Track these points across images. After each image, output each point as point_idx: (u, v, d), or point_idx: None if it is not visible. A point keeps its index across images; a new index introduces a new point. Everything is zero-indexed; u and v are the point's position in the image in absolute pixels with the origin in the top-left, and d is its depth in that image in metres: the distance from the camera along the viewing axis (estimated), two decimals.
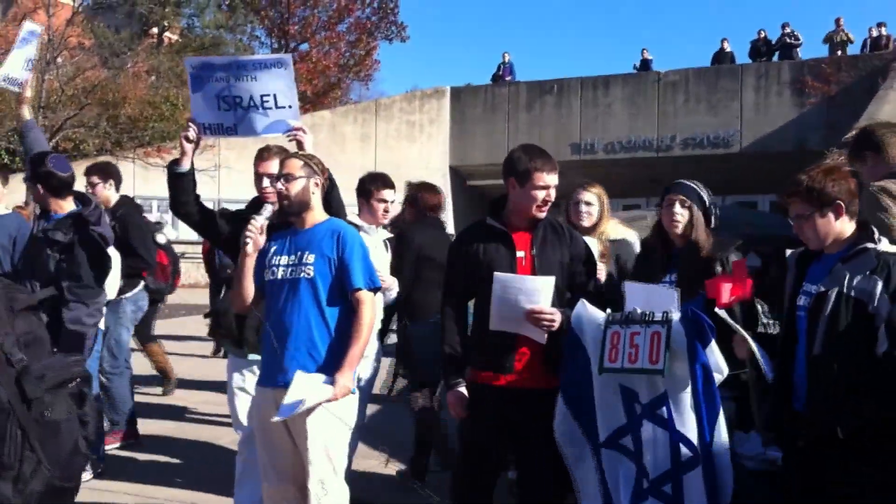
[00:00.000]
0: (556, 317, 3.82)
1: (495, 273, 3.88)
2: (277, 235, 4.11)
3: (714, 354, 3.50)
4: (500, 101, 26.04)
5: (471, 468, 4.10)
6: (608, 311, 3.79)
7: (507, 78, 27.73)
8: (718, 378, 3.50)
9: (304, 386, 3.81)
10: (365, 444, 6.18)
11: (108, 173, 7.00)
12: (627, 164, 24.66)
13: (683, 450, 3.51)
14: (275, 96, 4.47)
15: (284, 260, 4.04)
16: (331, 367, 3.93)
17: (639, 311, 3.64)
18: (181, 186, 4.58)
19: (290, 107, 4.52)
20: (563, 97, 25.49)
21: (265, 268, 4.08)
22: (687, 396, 3.51)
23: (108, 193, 6.80)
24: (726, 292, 3.71)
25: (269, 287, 4.08)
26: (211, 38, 35.44)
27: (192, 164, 4.57)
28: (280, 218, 4.19)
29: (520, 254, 3.97)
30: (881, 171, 4.14)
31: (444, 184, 24.02)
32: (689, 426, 3.51)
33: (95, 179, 6.82)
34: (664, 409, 3.56)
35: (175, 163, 4.60)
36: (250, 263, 4.06)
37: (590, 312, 3.78)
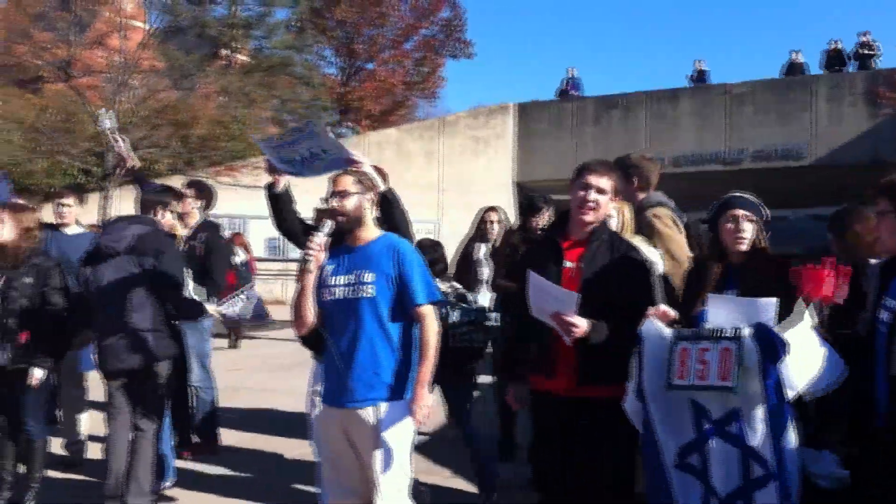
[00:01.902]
0: (580, 327, 3.80)
1: (529, 271, 3.96)
2: (332, 254, 4.10)
3: (786, 370, 3.40)
4: (566, 117, 25.93)
5: (539, 475, 4.22)
6: (676, 326, 3.72)
7: (573, 93, 27.59)
8: (791, 394, 3.40)
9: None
10: (429, 460, 6.17)
11: (203, 194, 7.17)
12: (696, 177, 24.32)
13: (755, 467, 3.43)
14: (323, 150, 4.69)
15: (343, 279, 4.02)
16: (397, 384, 3.93)
17: (711, 326, 3.57)
18: (279, 206, 4.91)
19: (336, 151, 4.70)
20: (629, 111, 25.30)
21: (322, 287, 4.08)
22: (759, 413, 3.42)
23: (192, 210, 6.93)
24: (829, 283, 3.51)
25: (329, 307, 4.07)
26: (279, 58, 35.92)
27: (287, 185, 4.87)
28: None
29: (569, 264, 4.03)
30: None
31: (508, 199, 24.00)
32: (761, 443, 3.42)
33: (189, 192, 6.96)
34: (735, 425, 3.48)
35: (271, 185, 4.89)
36: (311, 281, 4.05)
37: (657, 329, 3.72)
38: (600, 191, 4.10)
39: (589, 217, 4.09)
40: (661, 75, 72.50)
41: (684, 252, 5.15)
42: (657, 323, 3.74)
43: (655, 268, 4.79)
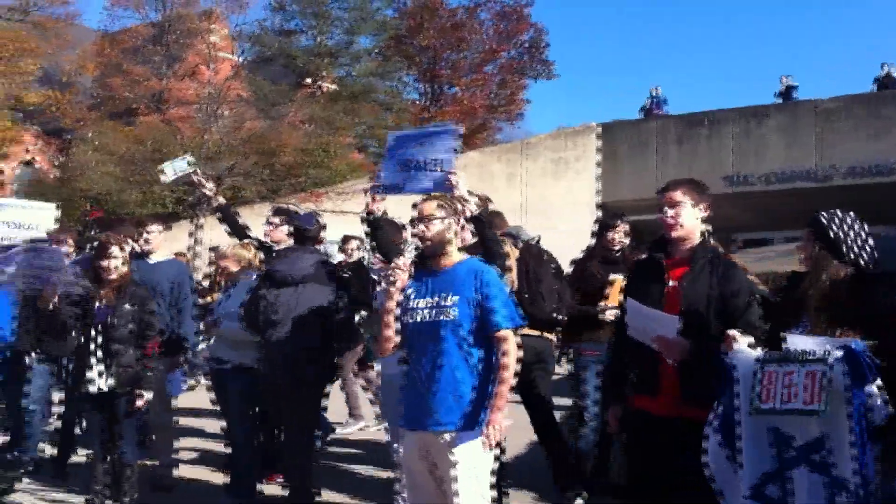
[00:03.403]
0: (682, 348, 3.82)
1: (627, 299, 4.10)
2: (416, 277, 4.12)
3: (874, 394, 3.27)
4: (650, 136, 25.61)
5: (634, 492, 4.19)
6: (763, 349, 3.62)
7: (657, 112, 27.28)
8: (879, 419, 3.27)
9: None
10: (512, 485, 6.12)
11: (290, 220, 7.30)
12: (785, 195, 23.72)
13: (841, 496, 3.30)
14: (441, 161, 4.88)
15: (425, 302, 4.04)
16: (476, 408, 3.92)
17: (795, 349, 3.47)
18: (376, 230, 5.17)
19: (448, 165, 4.89)
20: (715, 129, 24.85)
21: (405, 310, 4.09)
22: (846, 438, 3.31)
23: (280, 236, 7.03)
24: None
25: (410, 329, 4.09)
26: (363, 85, 36.47)
27: (381, 211, 5.17)
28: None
29: (671, 283, 4.03)
30: None
31: (591, 220, 23.81)
32: (848, 471, 3.30)
33: (279, 220, 7.07)
34: (822, 453, 3.36)
35: (366, 212, 5.18)
36: (395, 302, 4.08)
37: (743, 351, 3.63)
38: (675, 204, 4.08)
39: (674, 233, 4.08)
40: (747, 92, 71.05)
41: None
42: (744, 344, 3.64)
43: (755, 288, 4.74)
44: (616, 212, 6.71)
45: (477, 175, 23.86)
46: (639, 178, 24.30)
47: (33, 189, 26.85)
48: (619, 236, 6.42)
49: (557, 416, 6.52)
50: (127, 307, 5.68)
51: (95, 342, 5.66)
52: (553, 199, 24.18)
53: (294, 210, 7.70)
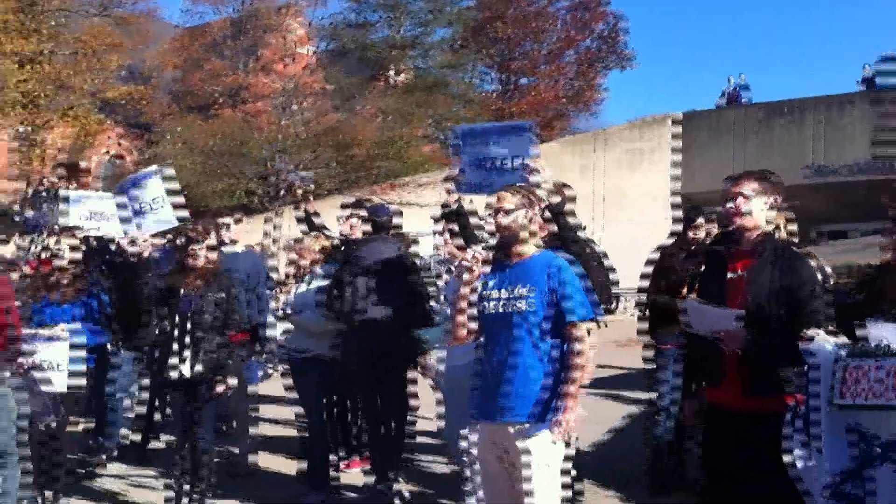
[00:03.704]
0: (736, 338, 3.81)
1: (687, 300, 4.17)
2: (491, 268, 4.12)
3: None
4: (728, 125, 25.15)
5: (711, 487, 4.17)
6: (843, 343, 3.53)
7: (736, 101, 26.78)
8: None
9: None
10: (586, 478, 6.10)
11: (367, 212, 7.39)
12: (868, 186, 23.07)
13: None
14: (512, 159, 4.91)
15: (499, 294, 4.04)
16: (549, 400, 3.91)
17: (879, 343, 3.37)
18: (461, 221, 5.25)
19: (522, 167, 4.89)
20: (796, 118, 24.28)
21: (480, 301, 4.10)
22: None
23: (356, 228, 7.12)
24: None
25: (485, 320, 4.09)
26: (437, 77, 36.53)
27: (460, 204, 5.24)
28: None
29: (735, 275, 4.02)
30: None
31: (667, 212, 23.46)
32: None
33: (356, 211, 7.16)
34: None
35: (444, 204, 5.31)
36: (470, 292, 4.08)
37: (824, 345, 3.54)
38: (741, 195, 4.03)
39: (738, 224, 4.05)
40: (829, 81, 69.00)
41: None
42: (824, 339, 3.56)
43: (828, 280, 4.65)
44: (700, 207, 6.61)
45: (550, 167, 23.69)
46: (717, 168, 23.84)
47: (116, 182, 27.58)
48: (702, 230, 6.33)
49: (630, 410, 6.49)
50: (211, 296, 5.81)
51: (181, 330, 5.80)
52: (628, 191, 23.94)
53: (369, 201, 7.77)
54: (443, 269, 14.76)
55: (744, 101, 26.68)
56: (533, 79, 38.59)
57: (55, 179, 24.61)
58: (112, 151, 32.96)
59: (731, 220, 4.08)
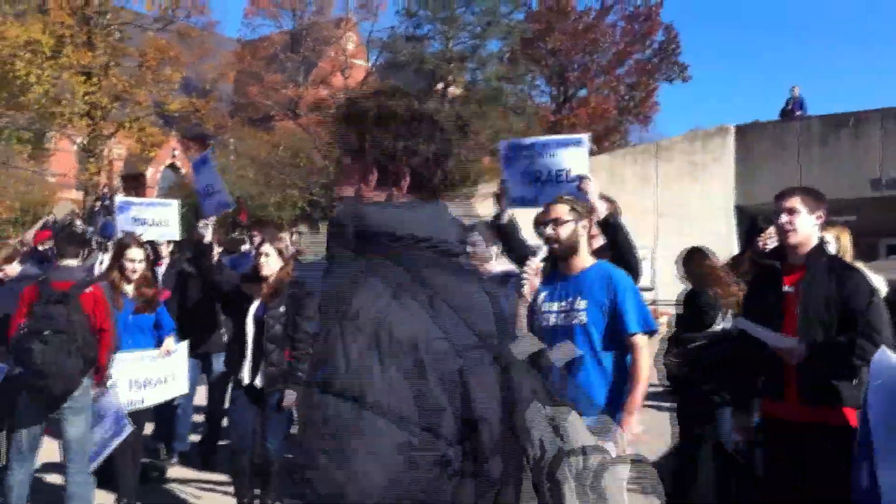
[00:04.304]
0: (794, 352, 3.85)
1: (739, 319, 4.27)
2: (546, 281, 4.10)
3: None
4: (790, 137, 24.74)
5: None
6: None
7: (797, 112, 26.39)
8: None
9: None
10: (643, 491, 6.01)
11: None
12: None
13: None
14: (568, 171, 4.83)
15: (556, 306, 4.04)
16: (608, 412, 3.86)
17: None
18: (507, 237, 5.12)
19: (580, 178, 4.79)
20: (861, 130, 23.79)
21: (536, 313, 4.08)
22: None
23: None
24: None
25: (541, 333, 4.06)
26: (492, 89, 36.59)
27: (510, 216, 5.12)
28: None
29: (788, 289, 4.07)
30: None
31: (727, 223, 23.16)
32: None
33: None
34: None
35: (496, 217, 5.16)
36: (525, 306, 4.07)
37: (890, 360, 3.46)
38: (790, 211, 4.09)
39: (789, 239, 4.12)
40: (893, 93, 67.80)
41: None
42: (890, 354, 3.49)
43: (878, 293, 4.59)
44: (768, 216, 6.53)
45: (608, 178, 23.61)
46: (778, 180, 23.42)
47: (176, 193, 28.06)
48: (771, 241, 6.26)
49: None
50: (281, 308, 5.78)
51: (254, 338, 5.81)
52: (688, 203, 23.65)
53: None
54: None
55: (798, 113, 26.28)
56: (588, 91, 38.47)
57: (116, 189, 25.07)
58: (173, 162, 33.56)
59: (783, 236, 4.16)
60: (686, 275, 6.16)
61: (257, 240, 6.65)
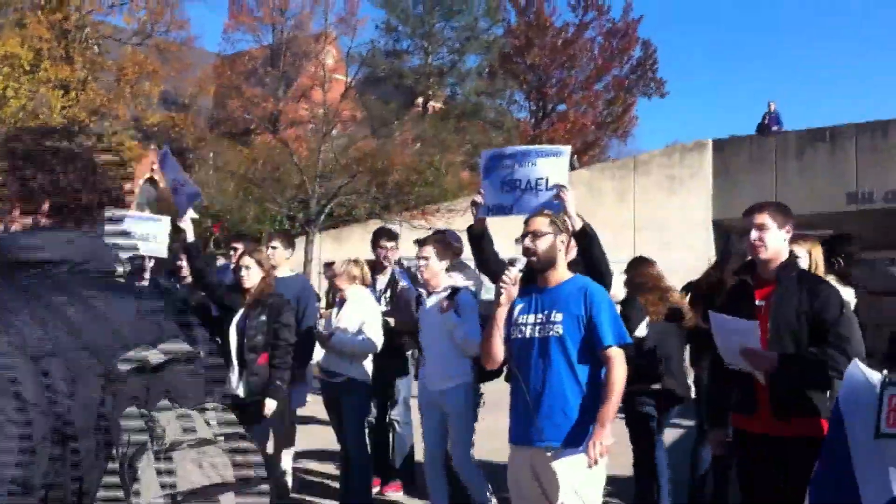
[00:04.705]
0: (767, 357, 3.89)
1: (710, 311, 4.24)
2: (522, 293, 4.12)
3: None
4: (767, 152, 24.95)
5: None
6: (884, 372, 3.48)
7: (774, 127, 26.62)
8: None
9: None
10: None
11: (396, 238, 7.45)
12: None
13: None
14: (547, 180, 4.78)
15: (532, 318, 4.05)
16: (582, 425, 3.91)
17: None
18: (481, 247, 5.06)
19: (558, 187, 4.74)
20: (837, 145, 24.02)
21: (512, 326, 4.10)
22: None
23: (394, 258, 7.28)
24: None
25: (516, 345, 4.09)
26: (472, 104, 36.74)
27: (486, 227, 5.07)
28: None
29: (760, 303, 4.12)
30: None
31: (706, 237, 23.31)
32: None
33: (390, 245, 7.24)
34: None
35: (471, 227, 5.10)
36: (502, 315, 4.08)
37: (863, 374, 3.49)
38: (760, 227, 4.14)
39: (760, 255, 4.17)
40: (869, 107, 68.55)
41: None
42: (862, 367, 3.52)
43: (849, 305, 4.65)
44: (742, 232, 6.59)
45: (587, 192, 23.70)
46: (755, 194, 23.51)
47: (154, 207, 27.91)
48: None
49: (676, 435, 6.37)
50: (262, 318, 5.85)
51: (237, 347, 5.86)
52: (666, 217, 23.79)
53: (395, 232, 7.83)
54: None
55: (774, 128, 26.50)
56: (567, 106, 38.72)
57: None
58: (152, 176, 33.39)
59: (753, 251, 4.21)
60: (625, 282, 6.26)
61: (239, 252, 6.63)
